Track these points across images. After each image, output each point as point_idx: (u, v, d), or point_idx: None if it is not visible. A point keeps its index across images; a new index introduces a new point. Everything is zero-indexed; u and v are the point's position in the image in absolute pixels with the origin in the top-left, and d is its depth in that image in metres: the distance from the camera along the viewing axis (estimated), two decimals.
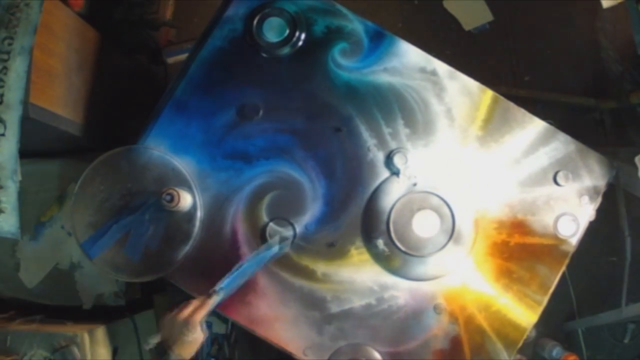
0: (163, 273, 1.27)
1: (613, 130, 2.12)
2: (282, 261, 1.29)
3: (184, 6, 2.27)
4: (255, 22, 1.28)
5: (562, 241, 1.31)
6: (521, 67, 2.20)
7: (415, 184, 1.28)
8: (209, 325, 1.82)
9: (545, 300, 1.30)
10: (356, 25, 1.30)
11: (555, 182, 1.30)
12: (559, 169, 1.30)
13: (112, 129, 1.74)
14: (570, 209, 1.31)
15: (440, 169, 1.30)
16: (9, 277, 1.71)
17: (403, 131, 1.30)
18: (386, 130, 1.30)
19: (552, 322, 2.03)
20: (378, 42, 1.30)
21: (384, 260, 1.28)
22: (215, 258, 1.29)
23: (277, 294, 1.28)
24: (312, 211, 1.29)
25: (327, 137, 1.30)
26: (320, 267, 1.29)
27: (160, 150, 1.28)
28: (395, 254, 1.27)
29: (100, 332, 1.56)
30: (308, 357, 1.27)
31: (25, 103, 1.23)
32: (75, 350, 1.46)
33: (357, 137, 1.30)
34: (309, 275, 1.29)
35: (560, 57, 2.19)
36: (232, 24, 1.30)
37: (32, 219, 1.69)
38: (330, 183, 1.30)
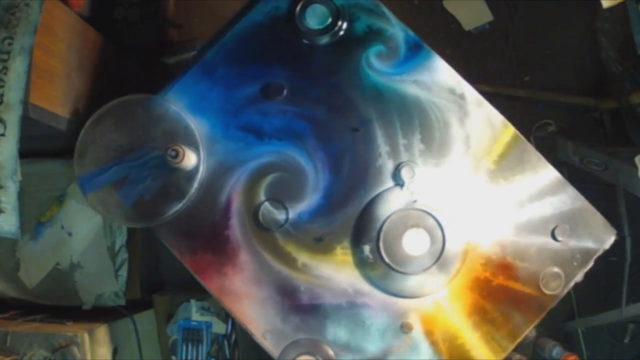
0: (150, 223, 1.27)
1: (613, 130, 2.12)
2: (268, 242, 1.28)
3: (184, 6, 2.27)
4: (299, 5, 1.27)
5: (544, 295, 1.29)
6: (521, 67, 2.20)
7: (415, 201, 1.27)
8: (209, 325, 1.82)
9: (510, 348, 1.29)
10: (397, 31, 1.29)
11: (553, 235, 1.29)
12: (560, 223, 1.29)
13: None
14: (559, 266, 1.29)
15: (444, 192, 1.29)
16: (9, 277, 1.71)
17: (418, 146, 1.29)
18: (401, 141, 1.29)
19: (552, 322, 2.03)
20: (415, 53, 1.29)
21: (366, 267, 1.28)
22: (204, 222, 1.29)
23: (254, 272, 1.28)
24: (309, 201, 1.29)
25: (342, 134, 1.29)
26: (303, 257, 1.28)
27: (178, 106, 1.28)
28: (378, 264, 1.26)
29: (100, 332, 1.57)
30: (267, 340, 1.27)
31: (25, 103, 1.23)
32: (75, 350, 1.46)
33: (372, 141, 1.29)
34: (290, 262, 1.28)
35: (560, 57, 2.19)
36: (277, 1, 1.29)
37: (32, 219, 1.69)
38: (334, 178, 1.29)
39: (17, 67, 1.21)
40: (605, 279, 2.01)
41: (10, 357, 1.46)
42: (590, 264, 1.31)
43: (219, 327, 1.82)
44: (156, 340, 1.85)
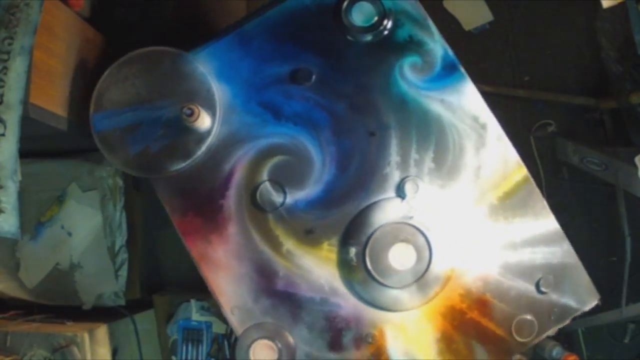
0: (150, 175, 1.29)
1: (613, 130, 2.12)
2: (259, 221, 1.29)
3: (185, 7, 2.27)
4: (347, 0, 1.28)
5: (513, 340, 1.29)
6: (521, 67, 2.20)
7: (412, 217, 1.27)
8: (209, 325, 1.82)
9: None
10: (437, 47, 1.30)
11: (537, 284, 1.28)
12: (547, 274, 1.28)
13: None
14: (535, 316, 1.29)
15: (442, 215, 1.29)
16: (9, 277, 1.71)
17: (428, 164, 1.29)
18: (414, 155, 1.29)
19: None
20: (448, 73, 1.30)
21: (347, 269, 1.28)
22: (202, 186, 1.29)
23: (238, 246, 1.29)
24: (309, 191, 1.29)
25: (358, 133, 1.30)
26: (289, 244, 1.29)
27: (206, 68, 1.29)
28: (359, 268, 1.26)
29: (100, 332, 1.57)
30: (234, 316, 1.28)
31: (25, 103, 1.23)
32: (75, 350, 1.47)
33: (385, 148, 1.30)
34: (275, 246, 1.29)
35: (560, 57, 2.18)
36: None
37: (32, 219, 1.69)
38: (339, 175, 1.29)
39: (17, 67, 1.21)
40: (605, 279, 2.01)
41: (10, 357, 1.46)
42: (566, 322, 1.31)
43: (219, 327, 1.82)
44: (156, 340, 1.85)
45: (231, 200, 1.29)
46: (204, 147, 1.27)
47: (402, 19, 1.29)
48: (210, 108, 1.27)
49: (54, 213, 1.70)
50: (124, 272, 1.74)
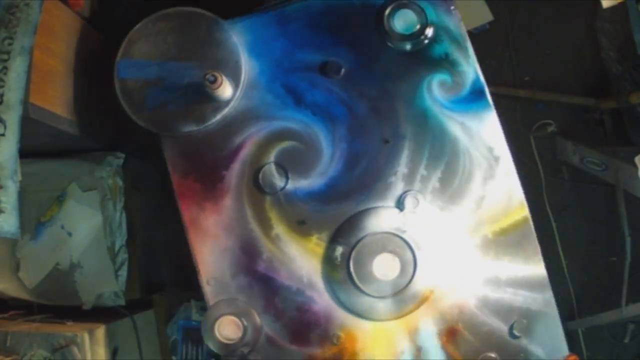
0: (160, 132, 1.30)
1: (613, 130, 2.12)
2: (255, 200, 1.30)
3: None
4: (393, 5, 1.28)
5: None
6: (521, 67, 2.20)
7: (405, 231, 1.27)
8: None
9: None
10: (470, 71, 1.29)
11: (510, 326, 1.27)
12: (522, 318, 1.27)
13: (112, 129, 1.74)
14: (501, 356, 1.27)
15: (435, 237, 1.28)
16: (9, 277, 1.71)
17: (434, 183, 1.29)
18: (421, 171, 1.29)
19: None
20: (475, 98, 1.29)
21: (330, 267, 1.28)
22: (209, 154, 1.31)
23: (229, 220, 1.29)
24: (311, 181, 1.29)
25: (372, 137, 1.30)
26: (279, 229, 1.29)
27: (239, 39, 1.30)
28: (341, 269, 1.27)
29: (100, 332, 1.57)
30: (209, 286, 1.29)
31: (25, 103, 1.23)
32: (75, 350, 1.47)
33: (395, 157, 1.30)
34: (266, 227, 1.30)
35: (560, 57, 2.19)
36: None
37: (32, 219, 1.69)
38: (345, 173, 1.30)
39: (17, 67, 1.22)
40: (606, 279, 2.02)
41: (10, 357, 1.46)
42: None
43: None
44: (156, 340, 1.85)
45: (234, 173, 1.30)
46: (219, 116, 1.29)
47: (442, 35, 1.30)
48: (235, 79, 1.28)
49: (54, 213, 1.70)
50: (124, 272, 1.74)
